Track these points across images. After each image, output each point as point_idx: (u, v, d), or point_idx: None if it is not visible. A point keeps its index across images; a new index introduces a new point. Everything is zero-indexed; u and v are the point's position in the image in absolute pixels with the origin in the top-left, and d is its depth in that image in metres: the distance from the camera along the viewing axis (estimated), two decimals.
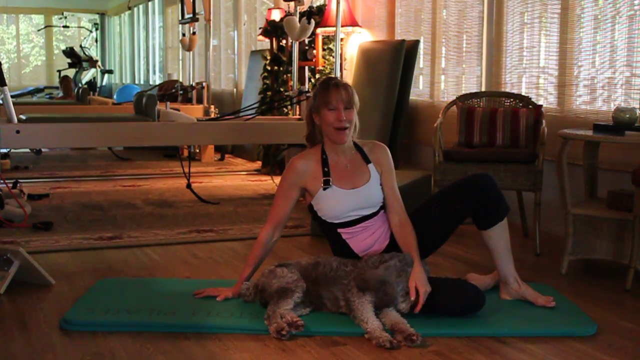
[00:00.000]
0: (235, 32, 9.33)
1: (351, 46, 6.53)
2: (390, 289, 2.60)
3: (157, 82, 12.42)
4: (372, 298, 2.59)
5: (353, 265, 2.73)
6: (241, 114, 5.76)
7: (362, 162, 2.93)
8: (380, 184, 2.93)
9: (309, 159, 2.91)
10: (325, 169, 2.88)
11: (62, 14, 16.15)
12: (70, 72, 13.73)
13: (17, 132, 4.46)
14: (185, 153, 7.57)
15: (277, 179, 3.00)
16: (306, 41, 6.13)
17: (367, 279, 2.60)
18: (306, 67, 6.22)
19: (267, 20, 7.07)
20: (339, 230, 2.88)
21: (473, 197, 2.84)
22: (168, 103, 6.58)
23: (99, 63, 14.52)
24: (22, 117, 5.03)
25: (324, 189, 2.86)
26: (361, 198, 2.86)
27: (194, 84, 8.73)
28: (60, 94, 11.86)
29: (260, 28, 7.31)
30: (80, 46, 14.72)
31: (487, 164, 3.96)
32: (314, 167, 2.89)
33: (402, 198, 2.96)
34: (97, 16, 17.06)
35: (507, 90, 4.75)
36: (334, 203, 2.85)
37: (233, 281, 3.01)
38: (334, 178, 2.87)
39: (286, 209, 2.93)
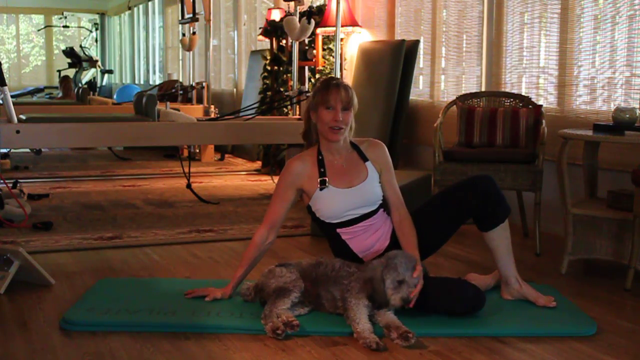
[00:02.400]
0: (235, 32, 9.32)
1: (351, 46, 6.53)
2: (377, 284, 2.59)
3: (157, 82, 12.42)
4: (368, 302, 2.59)
5: (357, 267, 2.73)
6: (241, 114, 5.76)
7: (359, 160, 2.93)
8: (380, 182, 2.93)
9: (305, 161, 2.91)
10: (322, 170, 2.87)
11: (62, 14, 16.16)
12: (70, 72, 13.73)
13: (17, 132, 4.46)
14: (185, 153, 7.57)
15: (277, 179, 3.00)
16: (306, 41, 6.13)
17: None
18: (306, 67, 6.23)
19: (267, 20, 7.07)
20: (338, 230, 2.88)
21: (474, 200, 2.84)
22: (168, 103, 6.58)
23: (99, 63, 14.52)
24: (22, 117, 5.03)
25: (321, 189, 2.86)
26: (359, 196, 2.86)
27: (194, 84, 8.73)
28: (60, 94, 11.85)
29: (260, 28, 7.32)
30: (80, 46, 14.72)
31: (487, 164, 3.96)
32: (310, 168, 2.89)
33: (402, 198, 2.96)
34: (97, 16, 17.06)
35: (507, 90, 4.75)
36: (331, 203, 2.85)
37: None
38: (330, 178, 2.87)
39: (282, 210, 2.92)
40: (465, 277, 3.07)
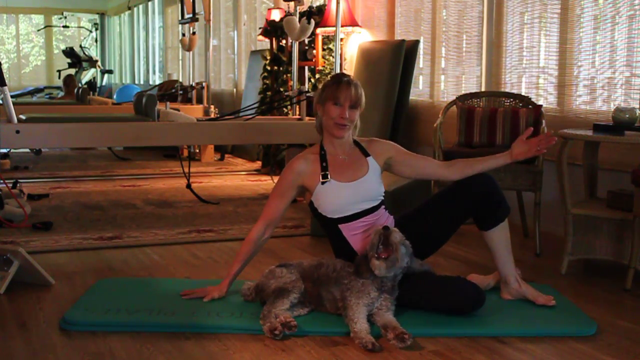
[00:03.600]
0: (235, 32, 9.33)
1: (351, 46, 6.53)
2: (361, 261, 2.63)
3: (157, 82, 12.42)
4: (368, 301, 2.58)
5: None
6: (241, 114, 5.76)
7: (361, 155, 2.96)
8: (403, 167, 2.99)
9: (308, 159, 2.94)
10: (324, 164, 2.90)
11: (62, 14, 16.15)
12: (70, 72, 13.72)
13: (17, 132, 4.46)
14: (185, 153, 7.57)
15: (279, 176, 3.01)
16: (306, 41, 6.13)
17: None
18: (306, 67, 6.22)
19: (267, 20, 7.07)
20: (340, 226, 2.88)
21: (475, 199, 2.84)
22: (168, 103, 6.58)
23: (99, 63, 14.52)
24: (22, 117, 5.04)
25: (323, 183, 2.87)
26: (360, 190, 2.87)
27: (193, 84, 8.73)
28: (61, 94, 11.84)
29: (260, 28, 7.32)
30: (80, 46, 14.71)
31: None
32: (313, 165, 2.91)
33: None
34: (97, 16, 17.06)
35: (507, 90, 4.75)
36: (333, 196, 2.86)
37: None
38: (332, 172, 2.88)
39: (281, 208, 2.94)
40: (467, 278, 3.07)
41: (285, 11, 6.44)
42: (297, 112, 5.84)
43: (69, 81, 11.66)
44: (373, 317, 2.59)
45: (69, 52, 14.05)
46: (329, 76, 6.16)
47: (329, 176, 2.87)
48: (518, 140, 2.90)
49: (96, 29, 16.66)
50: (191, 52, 8.83)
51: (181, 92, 8.99)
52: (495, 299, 2.93)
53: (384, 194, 2.95)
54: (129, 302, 2.84)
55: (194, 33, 8.58)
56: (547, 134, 2.90)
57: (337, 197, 2.86)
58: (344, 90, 2.85)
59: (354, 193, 2.86)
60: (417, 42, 5.63)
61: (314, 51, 6.27)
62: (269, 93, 7.00)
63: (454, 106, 4.42)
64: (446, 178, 2.99)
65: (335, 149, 2.94)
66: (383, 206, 2.93)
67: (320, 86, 3.01)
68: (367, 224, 2.86)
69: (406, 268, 2.67)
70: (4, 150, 7.23)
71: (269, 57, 7.02)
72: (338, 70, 5.19)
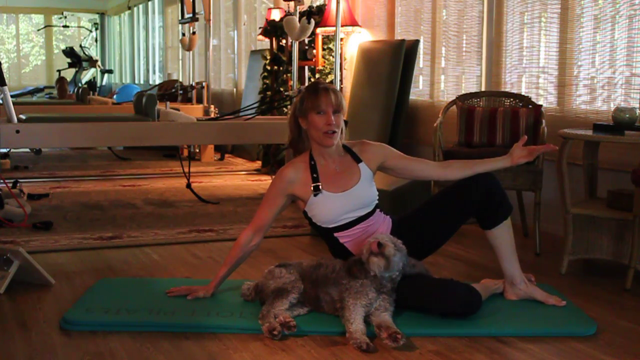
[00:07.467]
0: (235, 32, 9.33)
1: (351, 46, 6.53)
2: (355, 263, 2.61)
3: (157, 82, 12.42)
4: (366, 302, 2.58)
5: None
6: (241, 114, 5.76)
7: (353, 162, 2.92)
8: (397, 170, 2.98)
9: (298, 167, 2.90)
10: (314, 175, 2.86)
11: (62, 13, 16.17)
12: (70, 72, 13.73)
13: (17, 132, 4.47)
14: (185, 153, 7.57)
15: (270, 184, 3.00)
16: (306, 41, 6.13)
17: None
18: (306, 67, 6.23)
19: (267, 20, 7.07)
20: (336, 234, 2.87)
21: (477, 197, 2.83)
22: (168, 103, 6.59)
23: (99, 63, 14.52)
24: (22, 117, 5.04)
25: (315, 195, 2.84)
26: (353, 200, 2.85)
27: (193, 84, 8.74)
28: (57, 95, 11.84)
29: (260, 28, 7.32)
30: (80, 46, 14.72)
31: None
32: (303, 175, 2.87)
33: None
34: (97, 16, 17.08)
35: (507, 90, 4.75)
36: (326, 208, 2.84)
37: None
38: (323, 183, 2.85)
39: (270, 215, 2.92)
40: (480, 282, 3.05)
41: (285, 11, 6.44)
42: None
43: (60, 84, 11.65)
44: (370, 317, 2.58)
45: (69, 52, 14.05)
46: (328, 77, 6.19)
47: (320, 187, 2.84)
48: (516, 146, 2.92)
49: (96, 29, 16.68)
50: (191, 52, 8.84)
51: (181, 91, 8.99)
52: (495, 299, 2.93)
53: (378, 197, 2.93)
54: (129, 302, 2.83)
55: (194, 33, 8.59)
56: (548, 146, 2.91)
57: (330, 208, 2.83)
58: (324, 97, 2.80)
59: (347, 203, 2.84)
60: (417, 42, 5.63)
61: (314, 51, 6.27)
62: (269, 93, 7.00)
63: (454, 106, 4.42)
64: (443, 179, 2.99)
65: (326, 159, 2.90)
66: (378, 209, 2.92)
67: (297, 99, 2.94)
68: (363, 230, 2.85)
69: (401, 271, 2.65)
70: (4, 150, 7.23)
71: (269, 57, 7.02)
72: (338, 70, 5.19)
